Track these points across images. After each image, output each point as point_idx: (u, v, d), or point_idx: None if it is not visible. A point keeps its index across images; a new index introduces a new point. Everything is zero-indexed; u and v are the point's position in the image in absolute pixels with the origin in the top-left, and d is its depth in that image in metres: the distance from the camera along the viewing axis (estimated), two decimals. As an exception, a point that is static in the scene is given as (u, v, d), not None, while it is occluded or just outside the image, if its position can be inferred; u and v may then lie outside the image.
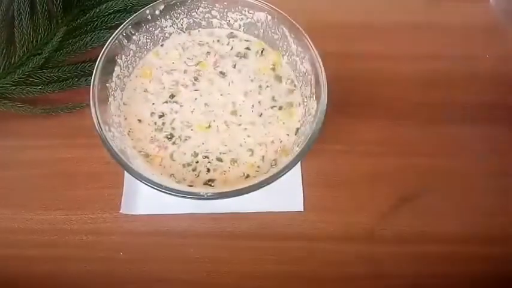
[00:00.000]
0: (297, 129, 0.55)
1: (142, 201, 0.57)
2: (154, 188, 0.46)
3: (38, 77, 0.62)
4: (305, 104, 0.56)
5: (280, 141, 0.55)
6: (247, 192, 0.47)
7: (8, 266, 0.55)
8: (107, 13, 0.65)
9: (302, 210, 0.57)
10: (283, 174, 0.47)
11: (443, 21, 0.71)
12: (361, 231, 0.56)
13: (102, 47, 0.53)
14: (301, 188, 0.58)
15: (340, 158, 0.60)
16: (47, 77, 0.62)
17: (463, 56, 0.68)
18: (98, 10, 0.65)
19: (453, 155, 0.61)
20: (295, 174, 0.58)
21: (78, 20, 0.65)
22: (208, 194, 0.46)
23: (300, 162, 0.56)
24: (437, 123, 0.63)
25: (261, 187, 0.47)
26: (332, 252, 0.56)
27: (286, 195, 0.58)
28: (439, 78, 0.66)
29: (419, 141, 0.62)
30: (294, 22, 0.54)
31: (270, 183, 0.47)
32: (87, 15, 0.65)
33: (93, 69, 0.52)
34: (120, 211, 0.56)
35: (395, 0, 0.72)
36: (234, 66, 0.59)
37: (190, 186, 0.52)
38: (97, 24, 0.65)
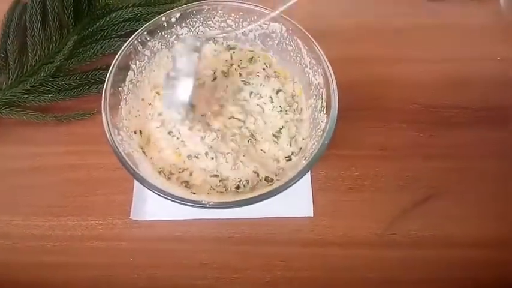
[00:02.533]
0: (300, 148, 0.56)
1: (152, 207, 0.57)
2: (156, 194, 0.47)
3: (49, 85, 0.63)
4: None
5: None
6: (253, 203, 0.47)
7: (19, 272, 0.55)
8: (117, 22, 0.67)
9: (311, 215, 0.57)
10: (290, 186, 0.47)
11: (452, 23, 0.70)
12: (371, 236, 0.56)
13: (112, 56, 0.54)
14: (311, 193, 0.58)
15: (349, 162, 0.60)
16: (59, 85, 0.63)
17: (473, 58, 0.67)
18: (108, 19, 0.66)
19: (464, 158, 0.60)
20: (304, 180, 0.57)
21: (89, 29, 0.67)
22: (211, 203, 0.46)
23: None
24: (448, 126, 0.62)
25: (268, 197, 0.47)
26: (342, 258, 0.55)
27: (296, 201, 0.57)
28: (449, 81, 0.65)
29: (429, 145, 0.61)
30: (308, 34, 0.54)
31: (277, 194, 0.47)
32: (98, 24, 0.67)
33: (104, 77, 0.52)
34: (130, 217, 0.56)
35: (403, 3, 0.72)
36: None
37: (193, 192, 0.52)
38: (107, 33, 0.66)
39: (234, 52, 0.61)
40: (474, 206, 0.57)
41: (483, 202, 0.57)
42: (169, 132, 0.55)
